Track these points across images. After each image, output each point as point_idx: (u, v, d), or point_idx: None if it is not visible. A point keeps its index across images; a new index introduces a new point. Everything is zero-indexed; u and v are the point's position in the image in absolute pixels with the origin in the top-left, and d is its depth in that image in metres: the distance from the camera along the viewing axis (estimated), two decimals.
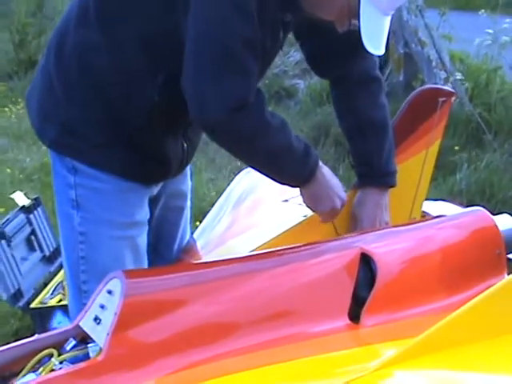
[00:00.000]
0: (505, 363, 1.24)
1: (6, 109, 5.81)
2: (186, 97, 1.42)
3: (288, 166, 1.54)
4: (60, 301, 2.82)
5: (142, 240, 1.67)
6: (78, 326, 1.33)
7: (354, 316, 1.41)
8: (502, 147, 3.65)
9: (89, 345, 1.30)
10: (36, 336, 1.53)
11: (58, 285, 2.91)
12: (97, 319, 1.28)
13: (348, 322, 1.40)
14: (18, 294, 2.76)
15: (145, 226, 1.67)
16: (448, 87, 1.91)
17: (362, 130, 1.71)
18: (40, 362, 1.31)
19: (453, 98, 1.92)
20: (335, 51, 1.63)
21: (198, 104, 1.42)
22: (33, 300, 2.83)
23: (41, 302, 2.83)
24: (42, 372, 1.28)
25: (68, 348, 1.33)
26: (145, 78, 1.52)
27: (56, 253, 3.04)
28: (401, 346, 1.26)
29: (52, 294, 2.86)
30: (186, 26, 1.42)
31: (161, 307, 1.31)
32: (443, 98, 1.83)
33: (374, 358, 1.27)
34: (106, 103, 1.55)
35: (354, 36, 1.43)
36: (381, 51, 1.47)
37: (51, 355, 1.30)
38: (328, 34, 1.52)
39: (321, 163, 1.57)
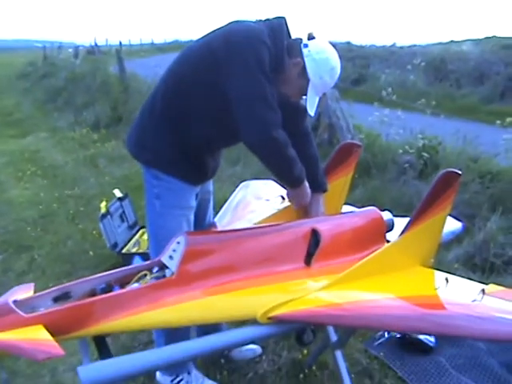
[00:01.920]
0: (383, 287, 2.11)
1: (106, 144, 9.02)
2: (243, 128, 2.20)
3: (294, 174, 2.40)
4: (137, 250, 4.30)
5: (192, 217, 2.61)
6: (159, 261, 2.17)
7: (307, 262, 2.26)
8: (381, 175, 5.53)
9: (166, 270, 2.13)
10: (137, 264, 2.28)
11: (135, 242, 4.40)
12: (171, 257, 2.10)
13: (303, 265, 2.25)
14: (115, 245, 4.35)
15: (193, 209, 2.61)
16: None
17: (309, 161, 2.56)
18: (139, 278, 2.11)
19: (361, 148, 2.84)
20: (290, 117, 2.38)
21: (254, 130, 2.20)
22: (122, 249, 4.39)
23: (127, 250, 4.30)
24: (141, 283, 2.06)
25: (154, 271, 2.16)
26: (203, 130, 2.42)
27: (134, 224, 4.79)
28: (332, 278, 2.10)
29: (133, 246, 4.35)
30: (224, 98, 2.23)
31: (205, 251, 2.10)
32: (356, 148, 2.79)
33: (317, 284, 2.10)
34: (179, 140, 2.43)
35: (300, 109, 2.48)
36: (313, 113, 2.43)
37: (146, 274, 2.12)
38: (286, 108, 2.35)
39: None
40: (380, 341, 3.19)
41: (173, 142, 2.44)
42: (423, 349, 3.09)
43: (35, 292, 2.11)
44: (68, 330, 1.85)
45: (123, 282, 2.15)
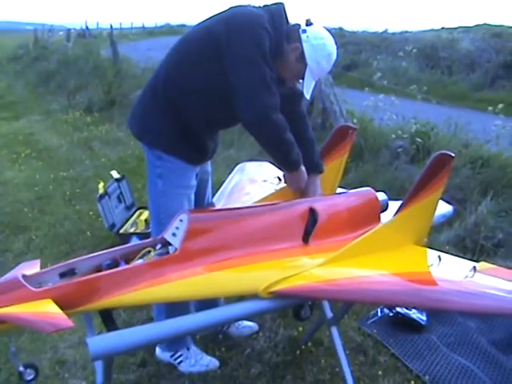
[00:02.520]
0: (377, 264, 2.21)
1: (99, 127, 9.01)
2: (243, 110, 2.27)
3: (290, 157, 2.47)
4: (135, 230, 4.35)
5: (192, 196, 2.69)
6: (162, 238, 2.23)
7: (305, 240, 2.34)
8: (374, 159, 5.60)
9: (169, 247, 2.20)
10: (141, 241, 2.36)
11: (133, 222, 4.47)
12: (174, 234, 2.17)
13: (301, 243, 2.33)
14: (113, 225, 4.42)
15: (194, 188, 2.69)
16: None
17: (306, 143, 2.66)
18: (143, 254, 2.18)
19: (356, 131, 2.92)
20: (287, 100, 2.46)
21: (253, 112, 2.27)
22: (120, 229, 4.46)
23: (125, 230, 4.33)
24: (146, 259, 2.14)
25: (157, 248, 2.23)
26: (203, 110, 2.48)
27: (131, 205, 4.85)
28: (329, 256, 2.19)
29: (130, 226, 4.39)
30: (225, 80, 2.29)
31: (207, 228, 2.18)
32: (351, 130, 2.87)
33: (315, 261, 2.18)
34: (181, 121, 2.50)
35: (297, 93, 2.56)
36: (309, 97, 2.51)
37: (149, 251, 2.19)
38: (284, 91, 2.44)
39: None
40: (373, 319, 3.29)
41: (174, 123, 2.52)
42: (415, 327, 3.19)
43: (41, 268, 2.18)
44: (75, 304, 1.91)
45: (127, 258, 2.22)
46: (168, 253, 2.21)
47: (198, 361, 2.89)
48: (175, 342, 2.90)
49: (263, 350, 3.04)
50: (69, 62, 14.33)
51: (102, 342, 1.83)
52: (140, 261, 2.17)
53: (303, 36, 2.42)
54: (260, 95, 2.28)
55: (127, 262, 2.19)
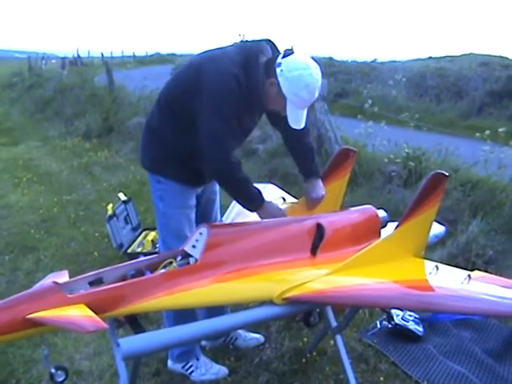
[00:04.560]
0: (377, 273, 2.40)
1: (99, 153, 9.30)
2: (206, 159, 2.54)
3: (251, 198, 2.66)
4: (142, 250, 4.53)
5: (193, 215, 2.92)
6: (183, 250, 2.43)
7: (313, 253, 2.55)
8: (368, 183, 5.93)
9: (190, 258, 2.39)
10: (163, 253, 2.59)
11: (139, 242, 4.64)
12: (194, 246, 2.38)
13: (310, 255, 2.54)
14: (121, 245, 4.61)
15: (194, 208, 2.92)
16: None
17: (306, 149, 2.89)
18: (166, 265, 2.37)
19: (356, 154, 3.14)
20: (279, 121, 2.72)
21: (212, 161, 2.54)
22: (128, 249, 4.65)
23: (132, 250, 4.50)
24: (168, 269, 2.35)
25: (179, 259, 2.41)
26: (192, 144, 2.63)
27: (138, 226, 5.05)
28: (334, 267, 2.40)
29: (137, 246, 4.55)
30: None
31: (224, 241, 2.38)
32: (352, 153, 3.09)
33: (322, 271, 2.39)
34: (173, 150, 2.76)
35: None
36: (300, 126, 2.59)
37: (171, 262, 2.39)
38: (276, 117, 2.72)
39: (266, 199, 2.69)
40: (373, 331, 3.47)
41: (170, 152, 2.79)
42: (412, 338, 3.38)
43: (70, 277, 2.36)
44: (104, 309, 2.09)
45: (151, 269, 2.40)
46: (188, 263, 2.39)
47: (208, 370, 3.06)
48: (185, 354, 3.06)
49: (270, 359, 3.21)
50: (65, 90, 14.60)
51: (133, 343, 2.02)
52: (163, 270, 2.36)
53: (278, 70, 2.47)
54: (213, 149, 2.52)
55: (152, 272, 2.37)
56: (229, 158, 2.52)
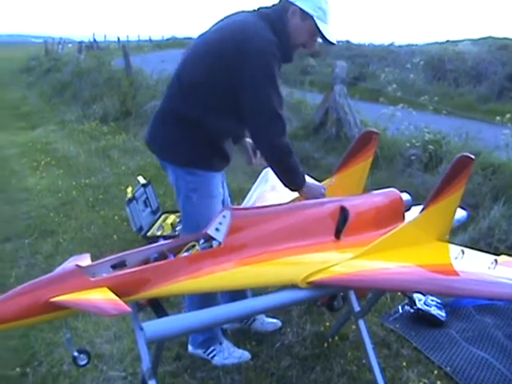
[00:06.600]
0: (401, 257, 2.36)
1: (116, 137, 9.33)
2: (253, 137, 2.59)
3: (296, 177, 2.68)
4: (162, 233, 4.52)
5: (220, 203, 2.88)
6: (206, 233, 2.40)
7: (337, 236, 2.53)
8: (388, 167, 5.83)
9: (213, 241, 2.37)
10: (185, 236, 2.56)
11: (159, 226, 4.63)
12: (217, 229, 2.34)
13: (333, 238, 2.52)
14: (140, 228, 4.60)
15: (222, 195, 2.91)
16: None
17: None
18: (189, 248, 2.36)
19: (379, 136, 3.12)
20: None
21: (262, 141, 2.56)
22: (147, 232, 4.63)
23: (152, 233, 4.50)
24: (191, 252, 2.33)
25: (201, 243, 2.40)
26: (222, 127, 2.67)
27: (157, 209, 5.05)
28: (358, 250, 2.37)
29: (157, 230, 4.53)
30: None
31: (248, 224, 2.36)
32: (375, 135, 3.06)
33: (346, 255, 2.37)
34: (208, 136, 2.66)
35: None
36: (335, 41, 2.64)
37: (194, 245, 2.38)
38: None
39: (307, 178, 2.74)
40: (395, 316, 3.45)
41: (203, 140, 2.67)
42: (435, 323, 3.35)
43: (92, 261, 2.34)
44: (128, 293, 2.08)
45: (173, 252, 2.39)
46: (211, 247, 2.38)
47: (231, 353, 3.05)
48: (209, 340, 3.05)
49: (292, 344, 3.20)
50: (82, 74, 14.57)
51: (157, 326, 2.00)
52: (186, 254, 2.34)
53: None
54: (267, 126, 2.50)
55: (175, 256, 2.35)
56: (286, 137, 2.55)
